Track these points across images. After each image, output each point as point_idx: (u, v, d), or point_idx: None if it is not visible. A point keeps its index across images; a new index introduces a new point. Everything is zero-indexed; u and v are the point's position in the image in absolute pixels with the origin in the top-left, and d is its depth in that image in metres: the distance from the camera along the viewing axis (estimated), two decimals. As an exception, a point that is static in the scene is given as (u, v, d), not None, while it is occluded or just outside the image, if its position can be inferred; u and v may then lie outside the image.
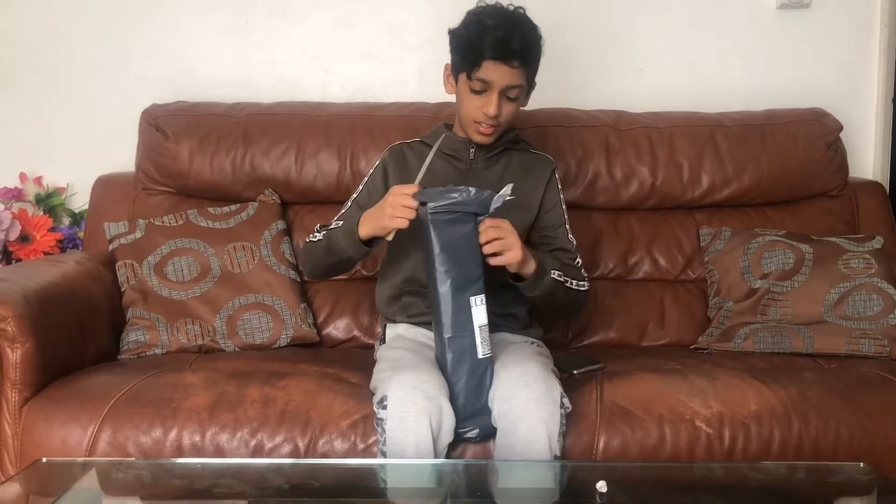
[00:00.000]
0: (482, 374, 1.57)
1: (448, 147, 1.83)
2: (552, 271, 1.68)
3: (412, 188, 1.58)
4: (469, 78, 1.69)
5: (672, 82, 2.45)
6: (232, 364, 1.84)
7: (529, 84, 1.75)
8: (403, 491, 1.48)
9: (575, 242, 1.84)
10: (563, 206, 1.86)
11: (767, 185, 2.24)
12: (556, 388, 1.55)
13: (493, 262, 1.59)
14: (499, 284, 1.66)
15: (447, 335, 1.56)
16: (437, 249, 1.55)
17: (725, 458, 1.60)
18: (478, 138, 1.78)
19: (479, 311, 1.56)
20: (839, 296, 2.02)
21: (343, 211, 1.85)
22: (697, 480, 1.54)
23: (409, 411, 1.48)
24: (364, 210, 1.70)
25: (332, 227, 1.76)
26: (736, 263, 2.11)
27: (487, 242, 1.57)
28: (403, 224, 1.57)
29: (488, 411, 1.56)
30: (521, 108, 1.80)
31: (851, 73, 2.48)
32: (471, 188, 1.56)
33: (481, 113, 1.71)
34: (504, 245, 1.58)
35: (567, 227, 1.85)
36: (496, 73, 1.67)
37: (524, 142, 1.90)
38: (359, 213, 1.70)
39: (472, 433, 1.57)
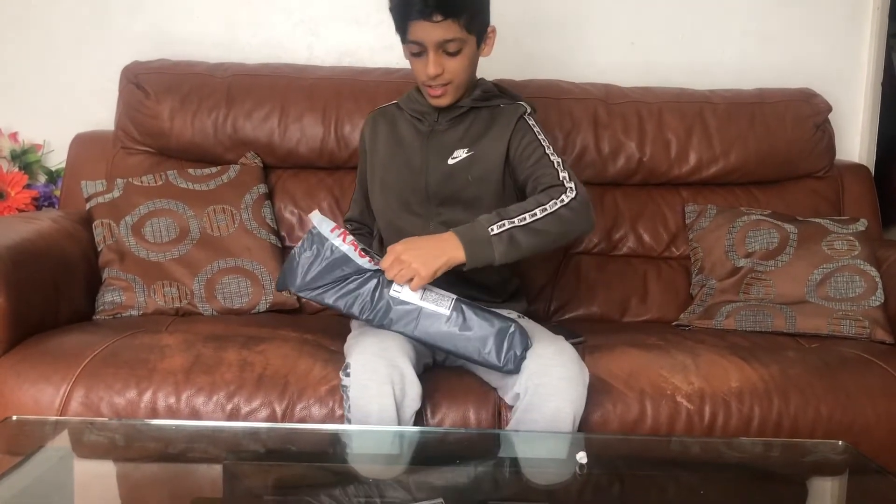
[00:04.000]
0: (462, 319, 1.51)
1: (414, 109, 1.79)
2: (489, 228, 1.54)
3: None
4: (404, 43, 1.67)
5: (664, 58, 2.43)
6: (210, 327, 1.81)
7: (474, 32, 1.64)
8: (374, 457, 1.46)
9: (558, 160, 1.68)
10: (540, 137, 1.72)
11: (754, 164, 2.23)
12: (586, 370, 1.54)
13: (412, 289, 1.52)
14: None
15: (406, 333, 1.53)
16: (335, 305, 1.54)
17: (705, 433, 1.60)
18: (432, 102, 1.73)
19: (405, 291, 1.51)
20: (822, 276, 2.02)
21: (354, 194, 1.94)
22: (676, 455, 1.54)
23: (371, 378, 1.45)
24: (364, 186, 1.85)
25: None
26: (720, 241, 2.10)
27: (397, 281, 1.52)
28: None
29: (500, 326, 1.51)
30: (484, 56, 1.72)
31: (842, 56, 2.47)
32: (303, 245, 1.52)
33: (424, 75, 1.67)
34: (407, 274, 1.50)
35: (547, 152, 1.69)
36: (422, 31, 1.61)
37: (498, 95, 1.79)
38: (361, 192, 1.88)
39: (515, 356, 1.50)
